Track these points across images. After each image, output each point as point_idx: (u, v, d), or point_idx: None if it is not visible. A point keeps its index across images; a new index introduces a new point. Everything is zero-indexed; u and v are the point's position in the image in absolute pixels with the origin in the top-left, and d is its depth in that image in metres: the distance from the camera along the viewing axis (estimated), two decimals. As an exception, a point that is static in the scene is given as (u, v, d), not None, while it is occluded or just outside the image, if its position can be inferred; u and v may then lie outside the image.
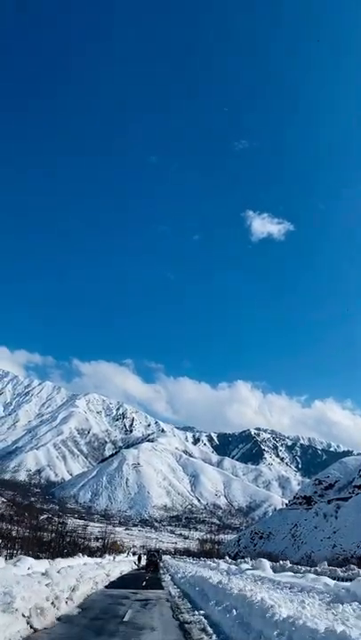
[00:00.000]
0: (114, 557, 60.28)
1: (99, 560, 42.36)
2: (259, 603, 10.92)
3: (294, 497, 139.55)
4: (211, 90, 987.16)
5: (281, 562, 36.32)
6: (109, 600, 18.53)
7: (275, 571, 24.52)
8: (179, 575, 32.19)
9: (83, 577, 20.47)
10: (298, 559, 77.60)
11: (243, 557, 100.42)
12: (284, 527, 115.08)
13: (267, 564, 24.38)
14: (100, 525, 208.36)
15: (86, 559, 37.22)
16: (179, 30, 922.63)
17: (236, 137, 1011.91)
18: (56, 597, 14.19)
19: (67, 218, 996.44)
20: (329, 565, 35.23)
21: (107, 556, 58.53)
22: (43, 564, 21.19)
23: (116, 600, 18.56)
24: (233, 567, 27.74)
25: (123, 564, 47.26)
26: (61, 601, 14.66)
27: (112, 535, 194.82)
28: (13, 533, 71.76)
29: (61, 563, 25.14)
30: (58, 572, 18.09)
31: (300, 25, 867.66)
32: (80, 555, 40.01)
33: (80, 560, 32.89)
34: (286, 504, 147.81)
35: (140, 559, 64.76)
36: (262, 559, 25.18)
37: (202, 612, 15.24)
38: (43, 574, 16.19)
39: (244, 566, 26.97)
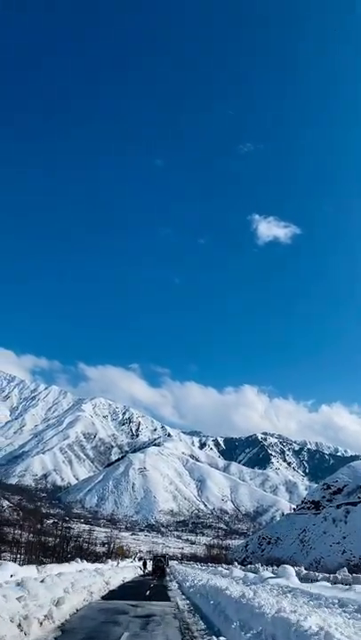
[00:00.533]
0: (117, 563, 58.66)
1: (99, 566, 40.60)
2: (319, 637, 6.90)
3: (302, 502, 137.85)
4: (216, 93, 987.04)
5: (297, 568, 35.21)
6: (102, 616, 15.07)
7: (301, 579, 21.94)
8: (187, 583, 29.51)
9: (74, 586, 17.92)
10: (307, 565, 76.14)
11: (250, 563, 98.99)
12: (293, 532, 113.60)
13: (292, 571, 20.71)
14: (106, 530, 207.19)
15: (85, 565, 35.32)
16: (184, 31, 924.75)
17: (240, 140, 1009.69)
18: (25, 617, 10.81)
19: (70, 221, 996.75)
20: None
21: (110, 561, 56.90)
22: (30, 571, 19.19)
23: (110, 616, 15.14)
24: (250, 575, 24.37)
25: (126, 571, 45.38)
26: (32, 622, 10.97)
27: (118, 540, 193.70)
28: (18, 538, 70.76)
29: (53, 569, 23.29)
30: (42, 580, 15.52)
31: (307, 25, 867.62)
32: (78, 560, 37.95)
33: (77, 566, 31.17)
34: (294, 509, 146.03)
35: (145, 565, 63.07)
36: (286, 565, 22.92)
37: (222, 638, 10.95)
38: (18, 584, 13.09)
39: (266, 574, 22.94)
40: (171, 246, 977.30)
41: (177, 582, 36.68)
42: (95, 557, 68.60)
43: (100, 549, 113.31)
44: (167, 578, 43.34)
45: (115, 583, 30.74)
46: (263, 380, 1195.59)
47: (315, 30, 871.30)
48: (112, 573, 33.67)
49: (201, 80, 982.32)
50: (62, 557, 49.15)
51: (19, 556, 42.37)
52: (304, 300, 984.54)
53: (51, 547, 53.72)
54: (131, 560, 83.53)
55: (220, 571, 38.38)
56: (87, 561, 45.73)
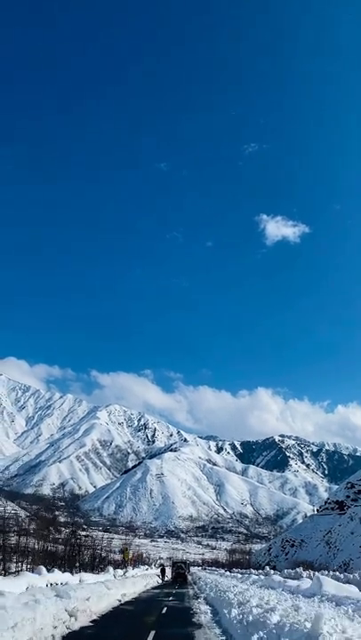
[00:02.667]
0: (125, 572, 50.66)
1: (102, 578, 33.47)
2: None
3: (326, 502, 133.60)
4: (219, 93, 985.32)
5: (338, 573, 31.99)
6: None
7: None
8: (233, 612, 14.30)
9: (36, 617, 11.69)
10: (335, 567, 72.39)
11: (275, 567, 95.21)
12: (317, 534, 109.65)
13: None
14: (125, 538, 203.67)
15: (88, 576, 32.48)
16: (187, 32, 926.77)
17: (245, 140, 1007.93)
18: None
19: (77, 229, 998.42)
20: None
21: (111, 569, 46.90)
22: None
23: None
24: (329, 589, 16.48)
25: (135, 583, 34.36)
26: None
27: (138, 547, 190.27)
28: (32, 547, 67.98)
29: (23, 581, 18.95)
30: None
31: (314, 25, 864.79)
32: (52, 571, 29.63)
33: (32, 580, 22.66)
34: (317, 510, 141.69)
35: (163, 572, 57.59)
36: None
37: None
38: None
39: (327, 583, 17.61)
40: (178, 250, 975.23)
41: (203, 597, 27.18)
42: (115, 565, 65.09)
43: (118, 557, 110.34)
44: (190, 590, 34.64)
45: (116, 599, 23.50)
46: (277, 382, 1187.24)
47: (318, 27, 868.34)
48: (120, 586, 27.43)
49: (204, 80, 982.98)
50: (80, 567, 46.60)
51: (27, 565, 39.48)
52: (316, 299, 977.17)
53: (61, 555, 50.42)
54: (146, 567, 77.48)
55: (260, 578, 32.23)
56: (93, 570, 42.11)
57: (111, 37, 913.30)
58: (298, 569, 38.82)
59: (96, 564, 52.37)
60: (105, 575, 39.66)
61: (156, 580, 51.21)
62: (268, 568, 46.40)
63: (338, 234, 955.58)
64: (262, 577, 33.80)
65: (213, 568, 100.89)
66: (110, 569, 46.84)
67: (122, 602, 24.22)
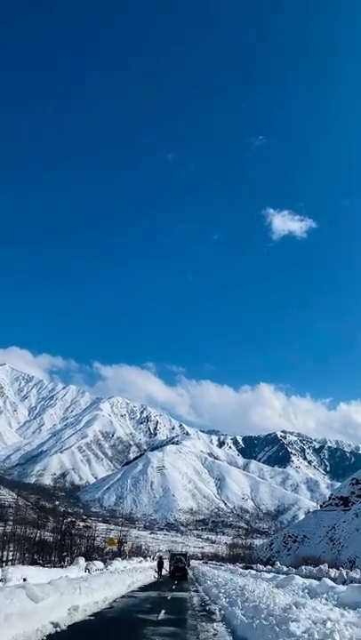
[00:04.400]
0: (106, 564, 42.90)
1: (62, 573, 26.19)
2: None
3: (330, 497, 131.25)
4: (227, 85, 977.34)
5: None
6: None
7: None
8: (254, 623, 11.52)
9: None
10: (340, 565, 70.09)
11: (273, 564, 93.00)
12: (320, 530, 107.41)
13: None
14: (124, 529, 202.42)
15: (37, 572, 25.76)
16: (197, 21, 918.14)
17: (253, 133, 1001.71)
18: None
19: (81, 218, 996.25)
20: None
21: (79, 563, 36.70)
22: None
23: None
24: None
25: (116, 581, 26.10)
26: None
27: (137, 540, 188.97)
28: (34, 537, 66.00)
29: None
30: None
31: (323, 18, 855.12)
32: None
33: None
34: (321, 505, 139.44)
35: (160, 565, 47.75)
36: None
37: None
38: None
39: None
40: (184, 243, 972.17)
41: (219, 606, 18.29)
42: (111, 557, 62.50)
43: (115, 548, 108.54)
44: (194, 597, 23.83)
45: (89, 609, 16.46)
46: (280, 378, 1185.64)
47: (328, 19, 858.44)
48: (94, 586, 19.71)
49: (211, 72, 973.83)
50: (61, 557, 43.43)
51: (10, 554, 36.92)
52: (320, 295, 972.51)
53: (53, 545, 47.84)
54: (140, 560, 67.56)
55: (304, 584, 24.47)
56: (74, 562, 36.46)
57: (117, 27, 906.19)
58: (308, 566, 36.22)
59: (90, 555, 49.72)
60: (70, 570, 31.27)
61: (153, 575, 44.11)
62: (278, 564, 42.75)
63: (345, 230, 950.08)
64: (302, 580, 25.87)
65: (218, 563, 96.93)
66: (81, 561, 36.87)
67: (119, 596, 20.80)
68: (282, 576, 32.27)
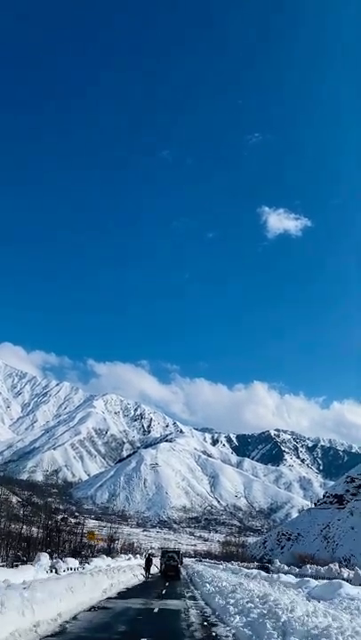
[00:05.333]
0: (67, 566, 32.29)
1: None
2: None
3: (324, 495, 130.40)
4: (224, 82, 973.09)
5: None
6: None
7: None
8: None
9: None
10: (336, 562, 69.10)
11: (269, 561, 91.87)
12: (314, 528, 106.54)
13: None
14: (115, 526, 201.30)
15: None
16: (193, 19, 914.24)
17: (249, 130, 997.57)
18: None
19: (75, 215, 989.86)
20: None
21: (61, 564, 30.87)
22: None
23: None
24: None
25: (82, 587, 18.88)
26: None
27: (129, 537, 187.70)
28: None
29: None
30: None
31: (323, 15, 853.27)
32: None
33: None
34: (315, 503, 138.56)
35: (149, 563, 40.88)
36: None
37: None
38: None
39: None
40: (179, 240, 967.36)
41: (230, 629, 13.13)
42: (104, 554, 60.70)
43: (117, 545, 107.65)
44: (191, 611, 18.12)
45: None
46: (274, 377, 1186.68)
47: (324, 16, 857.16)
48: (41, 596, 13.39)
49: (208, 69, 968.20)
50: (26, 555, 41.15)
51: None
52: (315, 294, 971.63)
53: (39, 541, 46.06)
54: (129, 557, 60.41)
55: (303, 583, 23.12)
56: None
57: (114, 24, 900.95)
58: (312, 565, 34.83)
59: (78, 552, 47.99)
60: (23, 570, 23.18)
61: (141, 574, 38.82)
62: (278, 562, 40.10)
63: (340, 229, 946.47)
64: (356, 590, 20.55)
65: (213, 561, 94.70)
66: (43, 558, 28.98)
67: (81, 611, 15.76)
68: (316, 582, 25.04)
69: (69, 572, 28.03)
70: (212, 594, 21.28)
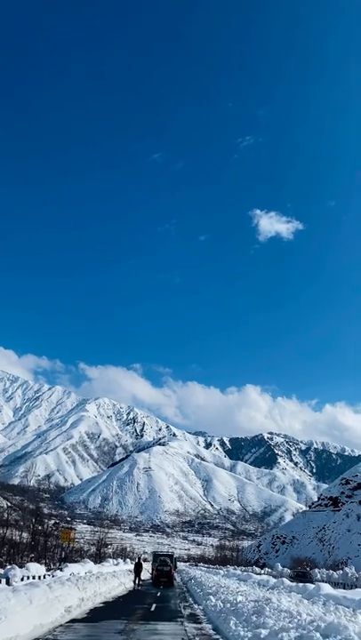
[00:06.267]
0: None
1: None
2: None
3: (319, 498, 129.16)
4: (214, 85, 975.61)
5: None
6: None
7: None
8: None
9: None
10: (329, 566, 67.72)
11: (264, 564, 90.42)
12: (310, 531, 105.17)
13: None
14: (105, 530, 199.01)
15: None
16: (182, 23, 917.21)
17: (240, 133, 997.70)
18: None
19: (69, 218, 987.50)
20: None
21: (72, 566, 32.68)
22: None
23: None
24: None
25: (60, 596, 15.95)
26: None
27: (122, 541, 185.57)
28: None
29: None
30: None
31: (314, 18, 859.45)
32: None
33: None
34: (310, 506, 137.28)
35: (138, 569, 32.92)
36: None
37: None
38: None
39: None
40: (171, 243, 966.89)
41: None
42: (94, 560, 58.94)
43: (110, 550, 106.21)
44: (185, 620, 16.06)
45: None
46: (266, 380, 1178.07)
47: (315, 19, 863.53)
48: None
49: (199, 72, 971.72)
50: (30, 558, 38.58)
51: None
52: (307, 297, 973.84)
53: (25, 546, 44.19)
54: (116, 562, 52.57)
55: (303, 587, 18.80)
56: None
57: (107, 31, 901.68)
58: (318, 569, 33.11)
59: (64, 557, 46.05)
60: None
61: (130, 580, 33.49)
62: (279, 566, 36.50)
63: (331, 232, 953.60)
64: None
65: (208, 565, 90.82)
66: (72, 565, 28.14)
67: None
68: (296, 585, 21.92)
69: (28, 582, 21.77)
70: (223, 613, 14.78)
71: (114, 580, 28.79)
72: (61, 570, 31.28)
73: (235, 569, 49.64)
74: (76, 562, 39.67)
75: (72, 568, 32.03)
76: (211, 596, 20.43)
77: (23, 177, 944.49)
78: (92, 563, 38.11)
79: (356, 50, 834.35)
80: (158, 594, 27.43)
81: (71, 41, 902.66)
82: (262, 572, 32.49)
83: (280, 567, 35.87)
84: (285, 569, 35.00)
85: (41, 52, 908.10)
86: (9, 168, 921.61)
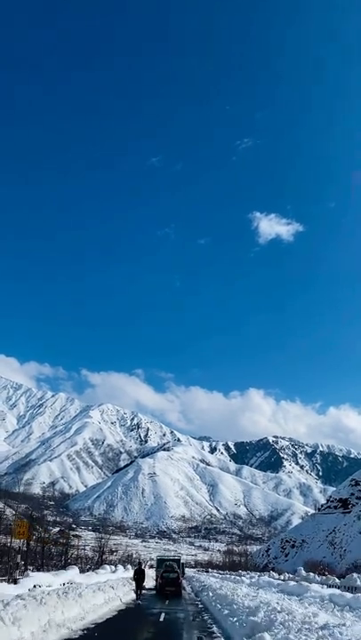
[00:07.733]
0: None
1: None
2: None
3: (328, 500, 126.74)
4: (213, 87, 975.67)
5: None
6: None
7: None
8: None
9: None
10: (344, 570, 65.60)
11: (273, 569, 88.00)
12: (320, 534, 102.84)
13: None
14: (106, 536, 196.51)
15: None
16: (183, 25, 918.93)
17: (239, 135, 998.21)
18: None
19: (67, 222, 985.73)
20: None
21: (40, 575, 24.24)
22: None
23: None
24: None
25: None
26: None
27: (128, 548, 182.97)
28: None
29: None
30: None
31: (313, 19, 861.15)
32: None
33: None
34: (319, 508, 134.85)
35: (140, 577, 26.59)
36: None
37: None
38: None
39: None
40: (170, 247, 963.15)
41: None
42: (93, 566, 56.87)
43: (113, 557, 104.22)
44: (194, 624, 14.11)
45: None
46: (269, 384, 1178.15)
47: (315, 20, 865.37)
48: None
49: (198, 74, 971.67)
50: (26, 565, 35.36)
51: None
52: (308, 300, 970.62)
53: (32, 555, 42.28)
54: (113, 569, 42.10)
55: None
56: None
57: (105, 30, 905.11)
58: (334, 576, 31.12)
59: (63, 564, 44.02)
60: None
61: (132, 589, 27.92)
62: (303, 571, 32.55)
63: (332, 234, 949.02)
64: None
65: (220, 572, 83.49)
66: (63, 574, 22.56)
67: None
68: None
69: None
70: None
71: (98, 595, 20.62)
72: (16, 582, 21.17)
73: (263, 575, 41.93)
74: (62, 567, 35.78)
75: (37, 578, 22.61)
76: (250, 617, 12.27)
77: (23, 177, 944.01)
78: (76, 569, 30.49)
79: (356, 51, 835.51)
80: (162, 616, 18.50)
81: (71, 41, 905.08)
82: (280, 577, 29.68)
83: (303, 572, 33.10)
84: (311, 574, 32.63)
85: (40, 51, 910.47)
86: (9, 168, 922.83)
